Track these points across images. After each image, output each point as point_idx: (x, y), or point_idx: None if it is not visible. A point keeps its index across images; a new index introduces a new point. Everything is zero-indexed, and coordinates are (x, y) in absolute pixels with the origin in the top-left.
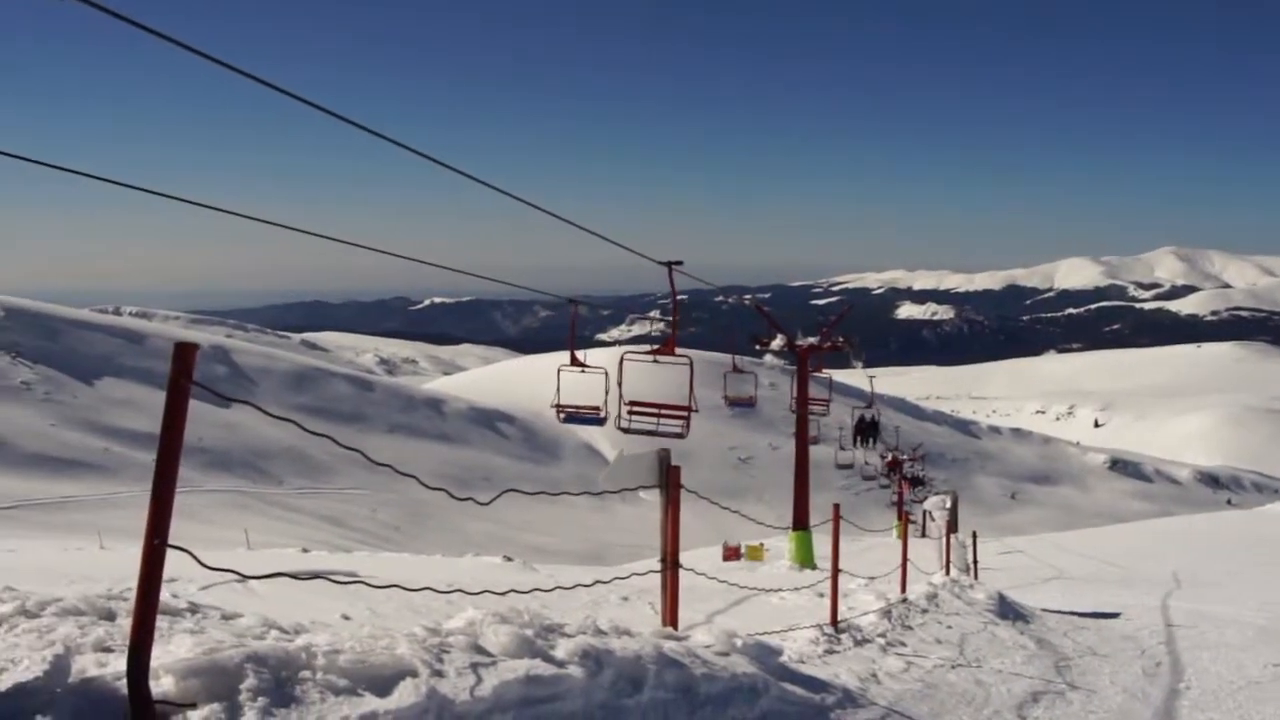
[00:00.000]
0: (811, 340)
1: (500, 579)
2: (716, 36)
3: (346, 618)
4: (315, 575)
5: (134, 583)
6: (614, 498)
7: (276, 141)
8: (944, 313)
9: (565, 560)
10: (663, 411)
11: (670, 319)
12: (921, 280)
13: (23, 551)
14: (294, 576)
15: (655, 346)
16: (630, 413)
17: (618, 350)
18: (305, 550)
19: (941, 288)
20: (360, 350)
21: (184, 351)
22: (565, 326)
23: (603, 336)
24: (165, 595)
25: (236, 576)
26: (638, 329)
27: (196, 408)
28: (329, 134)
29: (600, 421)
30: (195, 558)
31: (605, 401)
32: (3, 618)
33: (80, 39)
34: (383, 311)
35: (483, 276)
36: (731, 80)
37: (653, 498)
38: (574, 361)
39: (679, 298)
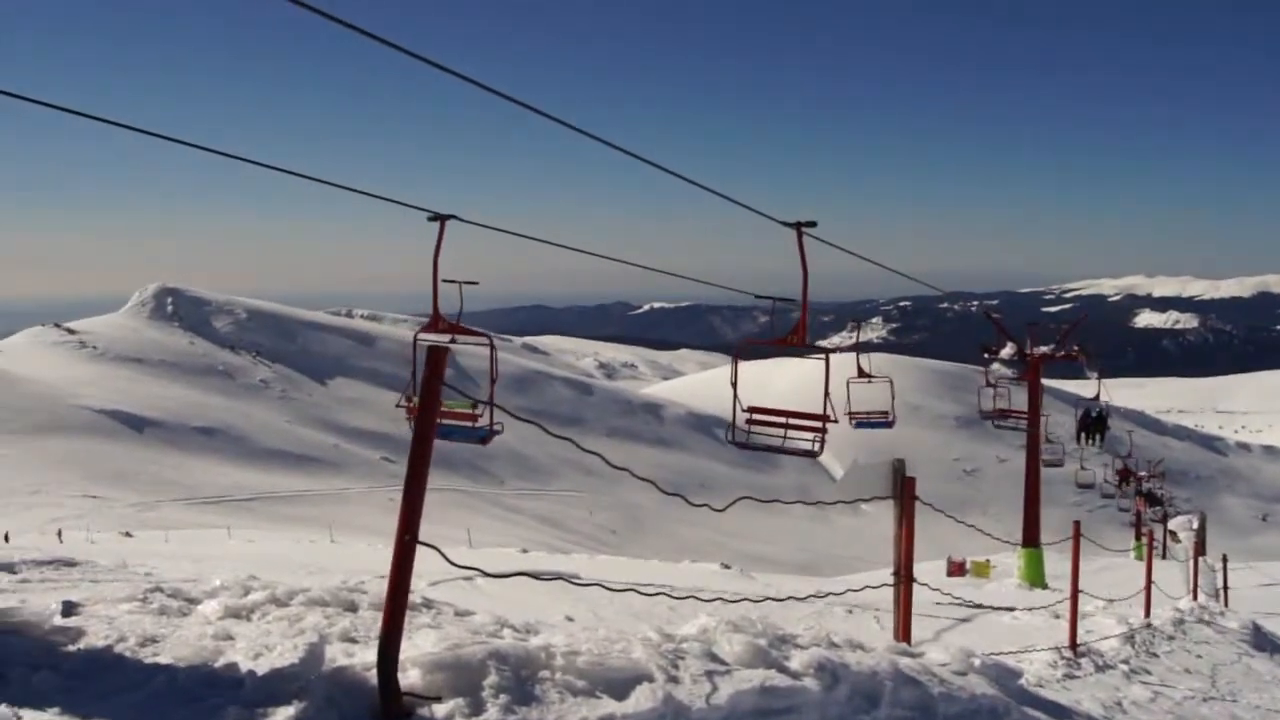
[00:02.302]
0: (1044, 349)
1: (719, 586)
2: (937, 46)
3: (570, 619)
4: (555, 576)
5: (366, 576)
6: (832, 508)
7: (501, 147)
8: (1187, 321)
9: (781, 569)
10: (791, 421)
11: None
12: (1162, 287)
13: (260, 542)
14: (534, 576)
15: (786, 335)
16: (750, 422)
17: (837, 357)
18: (524, 550)
19: (1184, 295)
20: (580, 354)
21: (436, 355)
22: (785, 332)
23: (823, 343)
24: None
25: (475, 573)
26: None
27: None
28: (552, 140)
29: (889, 425)
30: (443, 554)
31: (893, 408)
32: (255, 605)
33: (317, 50)
34: (603, 316)
35: (702, 281)
36: (959, 86)
37: (874, 509)
38: (861, 373)
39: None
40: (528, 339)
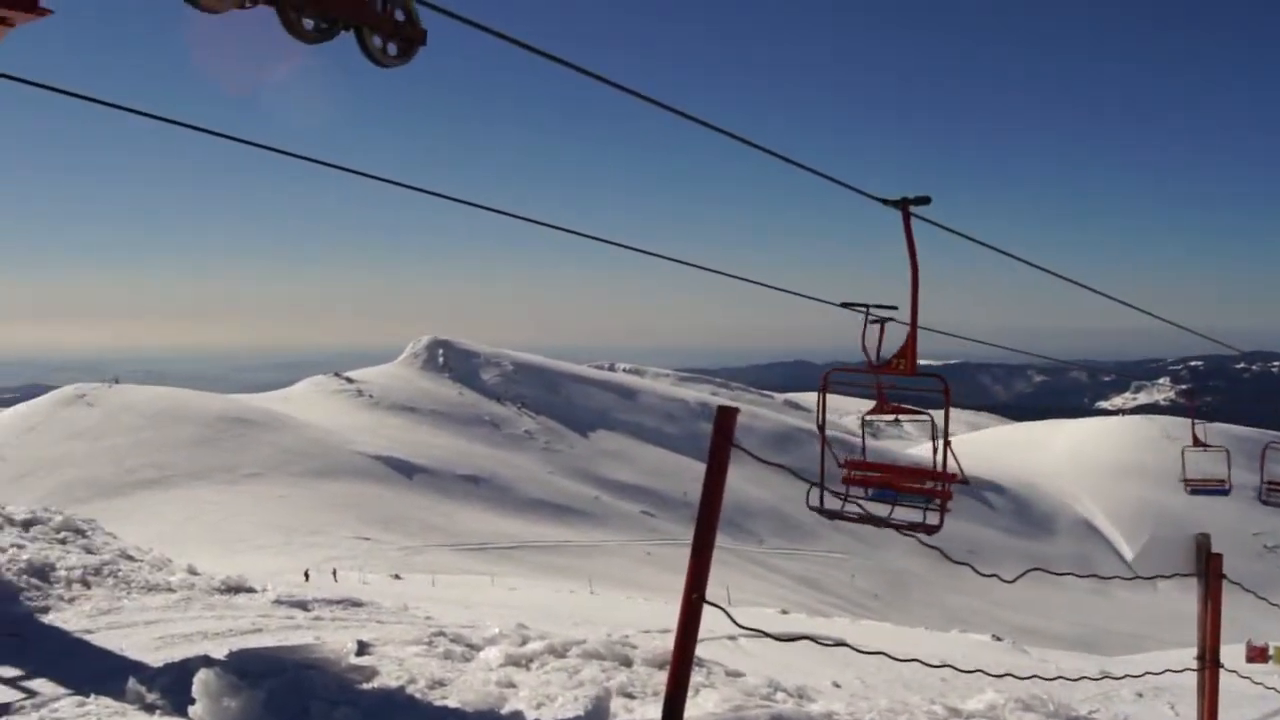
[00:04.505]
0: None
1: (991, 659)
2: (1227, 111)
3: (837, 685)
4: (838, 643)
5: (629, 629)
6: (1115, 581)
7: (759, 200)
8: None
9: (1054, 644)
10: (903, 484)
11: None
12: None
13: (522, 590)
14: (817, 641)
15: (889, 361)
16: (848, 480)
17: (1120, 420)
18: (784, 611)
19: None
20: (844, 412)
21: (725, 415)
22: (1061, 392)
23: (1103, 404)
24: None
25: (752, 633)
26: (1143, 397)
27: (683, 463)
28: (813, 193)
29: (1225, 493)
30: (729, 615)
31: (1228, 475)
32: (534, 654)
33: (573, 108)
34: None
35: (971, 339)
36: (1259, 132)
37: (1167, 585)
38: (1196, 442)
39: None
40: (789, 395)
